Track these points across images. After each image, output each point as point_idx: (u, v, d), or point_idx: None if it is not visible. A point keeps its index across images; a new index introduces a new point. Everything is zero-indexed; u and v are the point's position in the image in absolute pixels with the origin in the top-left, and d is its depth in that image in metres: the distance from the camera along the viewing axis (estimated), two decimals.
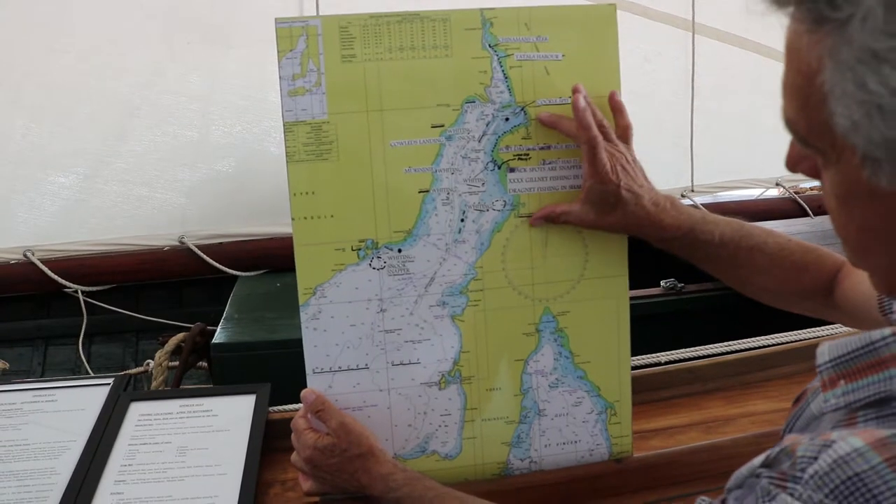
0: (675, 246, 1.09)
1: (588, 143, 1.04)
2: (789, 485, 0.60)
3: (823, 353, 0.67)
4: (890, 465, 0.55)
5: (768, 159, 3.26)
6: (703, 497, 0.71)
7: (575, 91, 1.06)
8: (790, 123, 0.64)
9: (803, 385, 1.50)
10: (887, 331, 0.63)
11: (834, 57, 0.56)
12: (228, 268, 2.48)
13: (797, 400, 0.81)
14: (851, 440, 0.57)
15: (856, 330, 1.62)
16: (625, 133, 1.09)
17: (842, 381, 0.65)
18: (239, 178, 2.64)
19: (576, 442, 1.17)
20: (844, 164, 0.60)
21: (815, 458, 0.59)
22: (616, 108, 1.09)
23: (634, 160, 1.07)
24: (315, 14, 2.36)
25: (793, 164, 0.69)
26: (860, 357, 0.65)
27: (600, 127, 1.06)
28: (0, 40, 2.35)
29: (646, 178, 1.08)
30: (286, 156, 1.06)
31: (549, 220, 1.09)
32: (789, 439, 0.64)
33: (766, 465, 0.64)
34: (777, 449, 0.64)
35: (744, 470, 0.66)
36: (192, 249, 2.49)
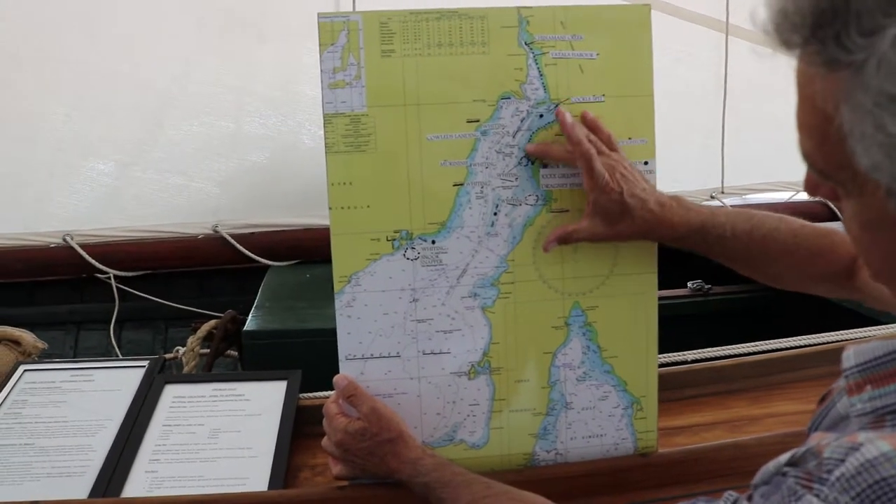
0: (689, 243, 1.10)
1: (582, 157, 1.06)
2: (815, 486, 0.60)
3: (850, 358, 0.67)
4: None
5: (799, 162, 3.24)
6: (731, 492, 0.71)
7: (558, 113, 1.09)
8: (808, 157, 0.64)
9: (829, 387, 1.51)
10: None
11: (850, 101, 0.56)
12: (260, 257, 2.50)
13: (823, 399, 0.82)
14: (879, 444, 0.58)
15: (881, 335, 1.63)
16: (609, 142, 1.09)
17: (868, 387, 0.65)
18: (272, 169, 2.66)
19: (601, 436, 1.19)
20: (868, 197, 0.60)
21: (842, 461, 0.59)
22: (591, 126, 1.10)
23: (632, 166, 1.09)
24: (351, 8, 2.38)
25: (812, 189, 0.69)
26: (888, 363, 0.65)
27: (590, 140, 1.07)
28: (41, 29, 2.39)
29: (646, 181, 1.09)
30: (325, 146, 1.08)
31: (562, 241, 1.10)
32: (815, 437, 0.65)
33: (793, 463, 0.64)
34: (804, 448, 0.64)
35: (770, 466, 0.67)
36: (225, 238, 2.51)
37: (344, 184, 1.08)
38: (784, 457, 0.66)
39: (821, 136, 0.61)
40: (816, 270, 1.13)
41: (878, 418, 0.64)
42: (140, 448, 1.24)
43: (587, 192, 1.07)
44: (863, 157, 0.57)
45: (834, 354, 1.57)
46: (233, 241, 2.51)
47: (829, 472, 0.59)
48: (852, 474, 0.57)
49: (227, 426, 1.30)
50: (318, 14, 1.07)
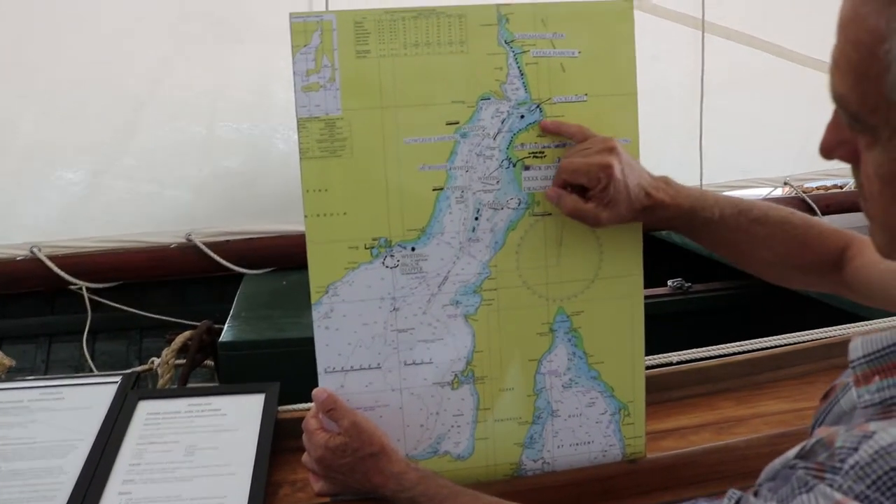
0: (676, 224, 1.09)
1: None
2: (827, 475, 0.59)
3: (857, 349, 0.66)
4: None
5: (777, 158, 3.25)
6: (734, 490, 0.70)
7: (543, 126, 1.07)
8: (841, 99, 0.62)
9: (816, 385, 1.50)
10: None
11: None
12: (236, 265, 2.47)
13: (825, 396, 0.80)
14: (893, 431, 0.56)
15: (863, 331, 1.62)
16: (582, 133, 1.07)
17: (877, 377, 0.64)
18: (247, 174, 2.63)
19: (589, 443, 1.16)
20: None
21: (856, 449, 0.57)
22: (553, 131, 1.08)
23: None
24: (325, 9, 2.35)
25: (829, 150, 0.67)
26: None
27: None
28: (8, 34, 2.33)
29: (637, 162, 1.07)
30: (299, 152, 1.04)
31: (569, 210, 1.06)
32: (822, 431, 0.63)
33: (801, 456, 0.63)
34: (813, 441, 0.63)
35: (777, 463, 0.66)
36: (198, 247, 2.48)
37: (319, 190, 1.05)
38: (792, 451, 0.64)
39: (861, 70, 0.59)
40: (803, 261, 1.12)
41: (887, 408, 0.63)
42: (113, 468, 1.19)
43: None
44: None
45: (819, 351, 1.58)
46: (207, 249, 2.48)
47: (843, 461, 0.58)
48: (867, 462, 0.56)
49: (204, 442, 1.25)
50: (291, 14, 1.04)
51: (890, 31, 0.55)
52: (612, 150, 1.03)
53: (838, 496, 0.57)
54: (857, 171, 0.66)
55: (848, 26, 0.59)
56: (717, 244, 1.13)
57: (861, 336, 0.66)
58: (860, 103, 0.60)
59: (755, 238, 1.10)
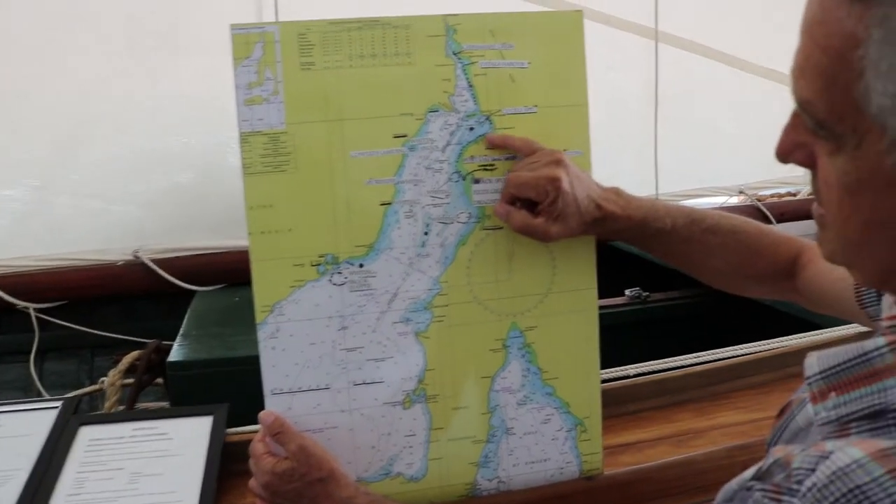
0: (628, 236, 1.08)
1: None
2: (785, 498, 0.57)
3: (812, 365, 0.64)
4: (894, 477, 0.52)
5: (732, 167, 3.28)
6: None
7: (489, 140, 1.06)
8: (807, 105, 0.60)
9: (773, 395, 1.50)
10: (881, 340, 0.60)
11: (886, 26, 0.52)
12: (185, 282, 2.41)
13: (781, 412, 0.79)
14: (850, 451, 0.54)
15: (821, 339, 1.62)
16: (529, 146, 1.06)
17: (833, 394, 0.62)
18: (198, 189, 2.57)
19: (545, 460, 1.14)
20: (864, 151, 0.56)
21: (813, 470, 0.55)
22: (499, 145, 1.06)
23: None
24: (275, 20, 2.31)
25: (786, 153, 0.65)
26: (852, 368, 0.61)
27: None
28: None
29: (586, 174, 1.06)
30: (242, 168, 1.01)
31: (518, 226, 1.04)
32: (779, 451, 0.61)
33: (758, 477, 0.61)
34: (769, 461, 0.61)
35: (733, 483, 0.63)
36: (146, 264, 2.42)
37: (264, 207, 1.02)
38: (748, 472, 0.62)
39: (830, 75, 0.56)
40: (755, 269, 1.11)
41: (843, 426, 0.61)
42: (51, 499, 1.14)
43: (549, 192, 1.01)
44: (881, 97, 0.54)
45: (777, 361, 1.58)
46: (155, 267, 2.41)
47: (800, 482, 0.56)
48: (825, 483, 0.54)
49: (149, 469, 1.21)
50: (232, 25, 1.00)
51: (867, 36, 0.53)
52: (559, 162, 1.01)
53: None
54: (814, 176, 0.64)
55: (816, 29, 0.57)
56: (669, 254, 1.12)
57: (817, 352, 0.64)
58: (827, 110, 0.58)
59: (708, 247, 1.09)
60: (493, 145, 1.06)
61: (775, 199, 3.50)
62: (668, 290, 2.56)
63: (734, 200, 3.42)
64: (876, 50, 0.53)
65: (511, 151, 1.06)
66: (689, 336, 2.14)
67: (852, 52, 0.54)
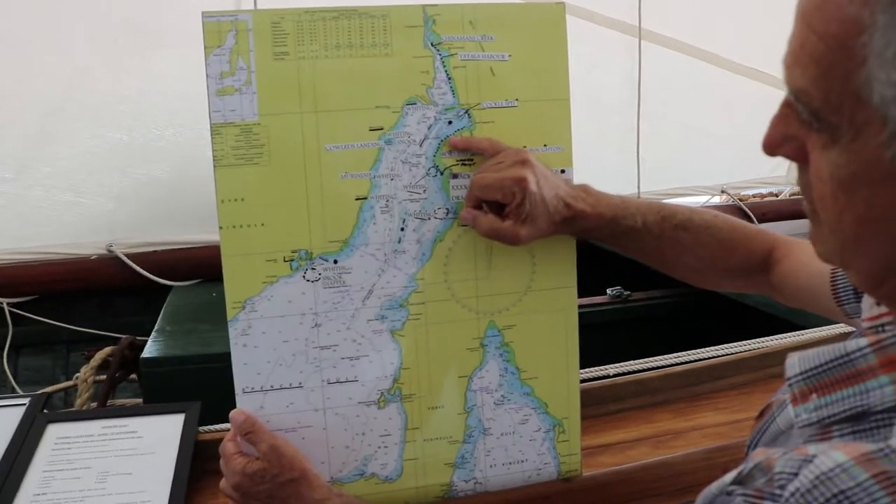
0: (599, 235, 1.06)
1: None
2: (767, 503, 0.55)
3: (794, 366, 0.62)
4: (879, 482, 0.50)
5: (714, 166, 3.28)
6: None
7: (451, 143, 1.03)
8: (801, 94, 0.57)
9: (754, 396, 1.49)
10: (863, 341, 0.58)
11: (892, 11, 0.50)
12: (162, 277, 2.37)
13: (761, 413, 0.77)
14: (834, 455, 0.52)
15: (816, 338, 1.61)
16: (494, 147, 1.03)
17: (814, 395, 0.60)
18: (171, 182, 2.52)
19: (522, 461, 1.12)
20: (861, 143, 0.54)
21: (796, 475, 0.53)
22: (462, 147, 1.04)
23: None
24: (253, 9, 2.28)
25: (774, 146, 0.62)
26: (834, 369, 0.60)
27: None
28: None
29: (554, 174, 1.04)
30: (213, 160, 0.98)
31: (486, 230, 1.02)
32: (760, 454, 0.59)
33: (739, 481, 0.59)
34: (750, 465, 0.58)
35: (713, 488, 0.61)
36: (121, 259, 2.38)
37: (235, 200, 0.99)
38: (728, 476, 0.60)
39: (828, 63, 0.54)
40: (729, 264, 1.09)
41: (825, 428, 0.60)
42: (16, 499, 1.11)
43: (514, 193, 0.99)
44: (883, 86, 0.51)
45: (757, 361, 1.57)
46: (129, 261, 2.37)
47: (783, 487, 0.54)
48: (808, 489, 0.52)
49: (118, 468, 1.18)
50: (203, 13, 0.97)
51: (872, 22, 0.51)
52: (525, 162, 0.99)
53: None
54: (803, 171, 0.61)
55: (813, 15, 0.55)
56: (641, 252, 1.10)
57: (798, 353, 0.62)
58: (823, 100, 0.55)
59: (679, 244, 1.07)
60: (456, 148, 1.04)
61: (757, 199, 3.50)
62: (650, 289, 2.55)
63: (717, 200, 3.42)
64: (881, 36, 0.51)
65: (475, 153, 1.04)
66: (671, 336, 2.14)
67: (854, 38, 0.52)
